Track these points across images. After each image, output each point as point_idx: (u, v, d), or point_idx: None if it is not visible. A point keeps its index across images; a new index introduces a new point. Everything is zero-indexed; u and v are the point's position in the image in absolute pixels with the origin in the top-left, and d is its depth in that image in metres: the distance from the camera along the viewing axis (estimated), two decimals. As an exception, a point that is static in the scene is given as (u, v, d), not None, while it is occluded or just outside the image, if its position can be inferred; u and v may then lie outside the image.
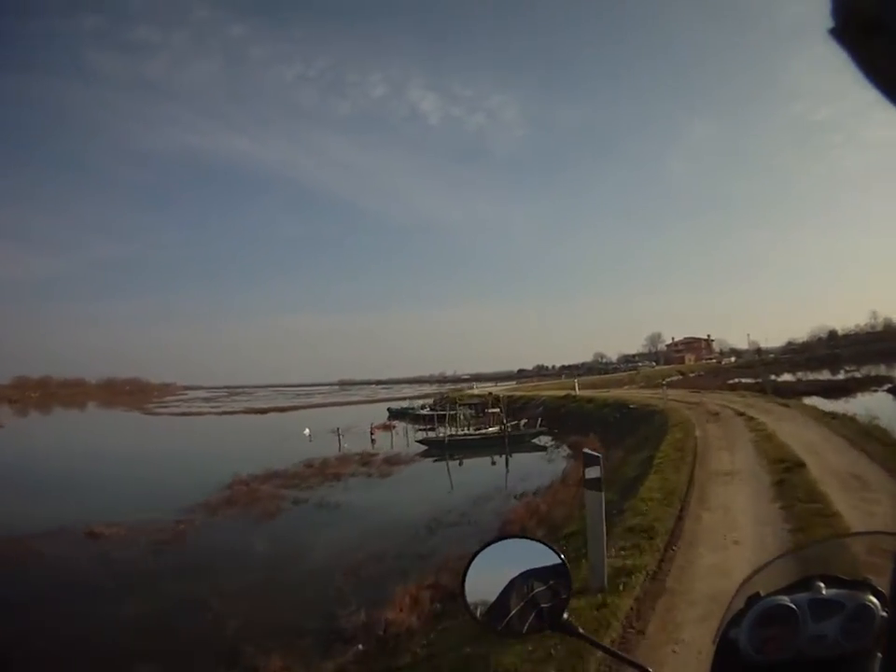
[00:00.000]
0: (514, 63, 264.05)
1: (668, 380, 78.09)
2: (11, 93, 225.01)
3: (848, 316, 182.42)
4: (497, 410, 42.04)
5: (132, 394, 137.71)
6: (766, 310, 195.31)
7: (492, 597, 1.32)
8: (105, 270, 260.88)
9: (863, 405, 27.43)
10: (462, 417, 44.20)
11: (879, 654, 1.07)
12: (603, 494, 6.57)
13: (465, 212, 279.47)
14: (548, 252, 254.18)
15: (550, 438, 34.30)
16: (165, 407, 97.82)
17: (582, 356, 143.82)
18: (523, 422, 37.57)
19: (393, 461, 29.20)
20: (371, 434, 39.63)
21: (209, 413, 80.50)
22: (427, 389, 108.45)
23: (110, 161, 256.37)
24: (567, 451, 27.61)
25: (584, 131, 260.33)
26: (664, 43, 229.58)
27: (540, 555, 1.38)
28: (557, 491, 16.58)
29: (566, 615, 1.32)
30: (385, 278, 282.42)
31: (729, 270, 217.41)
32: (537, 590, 1.32)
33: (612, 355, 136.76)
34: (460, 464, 28.78)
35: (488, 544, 1.44)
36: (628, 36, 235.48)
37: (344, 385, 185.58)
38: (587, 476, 6.49)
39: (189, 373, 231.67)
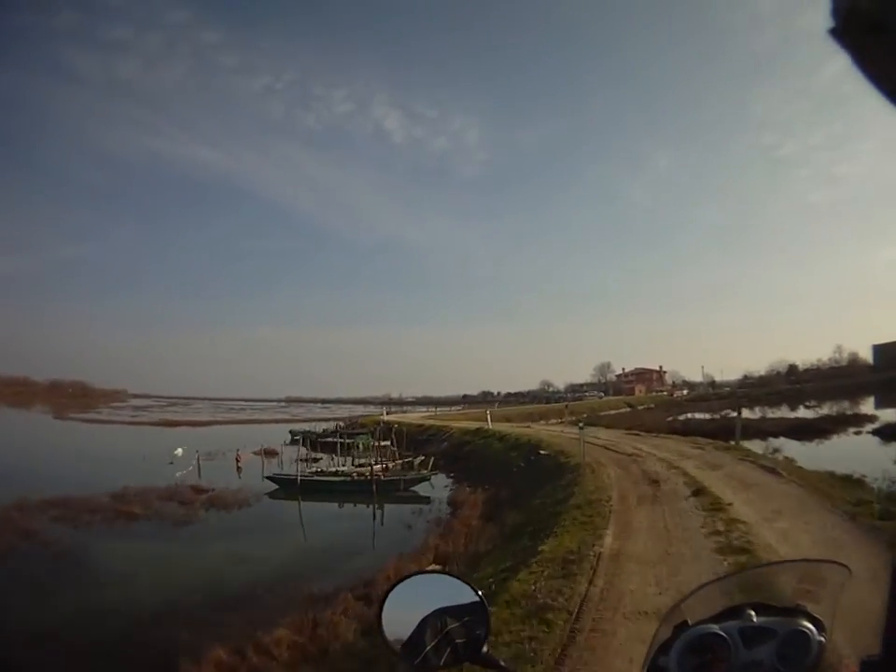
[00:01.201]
0: (477, 85, 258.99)
1: (614, 412, 70.98)
2: None
3: (810, 351, 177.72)
4: (388, 443, 34.44)
5: (74, 397, 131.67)
6: (723, 342, 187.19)
7: (408, 631, 1.29)
8: (60, 271, 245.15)
9: (844, 449, 24.66)
10: (361, 447, 37.26)
11: None
12: None
13: (425, 232, 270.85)
14: (503, 276, 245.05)
15: (449, 481, 27.43)
16: (87, 413, 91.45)
17: (531, 383, 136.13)
18: (419, 459, 30.51)
19: (221, 502, 23.27)
20: (238, 461, 34.12)
21: (121, 422, 74.31)
22: (363, 411, 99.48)
23: (69, 160, 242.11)
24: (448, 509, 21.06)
25: (545, 156, 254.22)
26: (629, 70, 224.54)
27: (458, 592, 1.36)
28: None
29: (486, 648, 1.30)
30: (342, 296, 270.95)
31: (685, 300, 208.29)
32: (452, 625, 1.30)
33: (560, 383, 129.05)
34: (301, 511, 22.55)
35: (406, 577, 1.42)
36: (593, 62, 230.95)
37: (291, 401, 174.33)
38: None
39: (143, 381, 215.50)
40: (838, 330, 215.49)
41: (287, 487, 26.10)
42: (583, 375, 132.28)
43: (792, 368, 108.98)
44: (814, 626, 1.12)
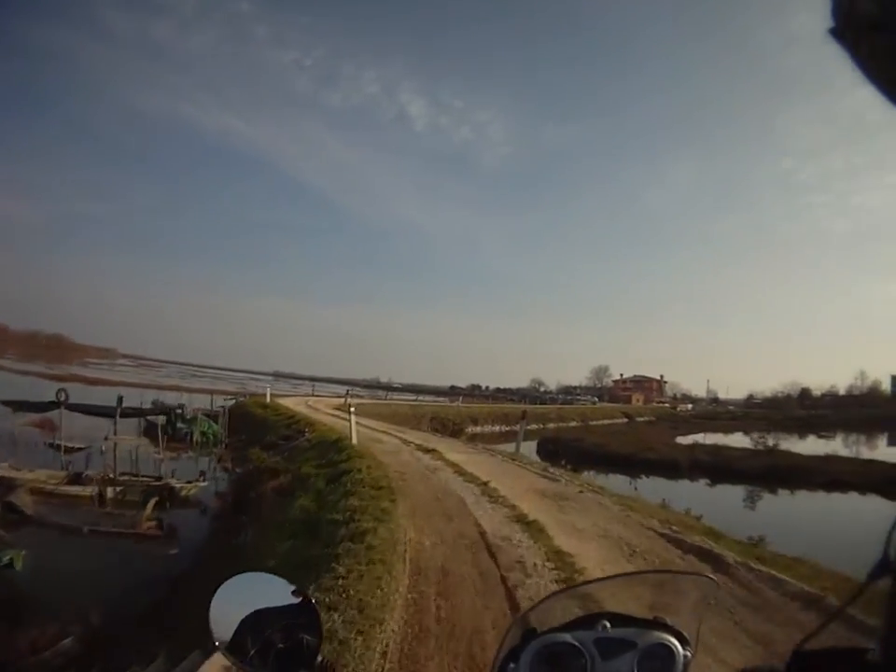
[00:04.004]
0: (506, 79, 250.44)
1: (608, 422, 59.42)
2: (12, 44, 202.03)
3: (823, 376, 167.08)
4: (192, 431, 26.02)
5: (48, 349, 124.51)
6: (726, 359, 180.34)
7: (235, 632, 1.20)
8: (74, 223, 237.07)
9: None
10: (197, 435, 26.12)
11: None
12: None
13: (439, 221, 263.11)
14: (509, 270, 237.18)
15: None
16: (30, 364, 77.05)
17: (522, 380, 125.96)
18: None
19: None
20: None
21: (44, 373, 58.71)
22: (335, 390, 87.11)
23: (95, 116, 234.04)
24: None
25: (566, 155, 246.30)
26: (660, 83, 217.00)
27: (284, 593, 1.26)
28: None
29: (321, 657, 1.21)
30: (343, 274, 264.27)
31: (693, 313, 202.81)
32: (275, 628, 1.21)
33: (553, 383, 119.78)
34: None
35: (232, 577, 1.29)
36: (621, 68, 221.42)
37: (279, 376, 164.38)
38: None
39: (140, 343, 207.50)
40: (858, 357, 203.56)
41: None
42: (578, 377, 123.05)
43: (805, 392, 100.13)
44: (676, 640, 1.05)
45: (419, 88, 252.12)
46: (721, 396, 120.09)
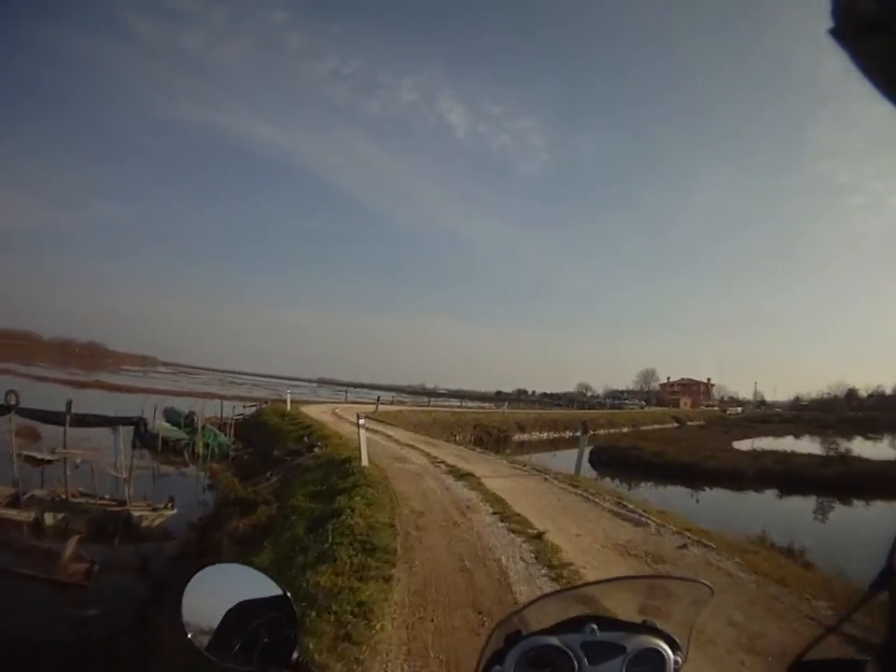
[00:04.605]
0: (544, 86, 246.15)
1: (658, 426, 56.34)
2: (41, 45, 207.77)
3: (868, 376, 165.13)
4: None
5: (81, 357, 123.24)
6: (770, 360, 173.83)
7: (212, 625, 1.13)
8: (107, 231, 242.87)
9: None
10: (198, 449, 23.05)
11: None
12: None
13: (478, 227, 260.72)
14: (549, 277, 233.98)
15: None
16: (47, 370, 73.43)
17: (568, 385, 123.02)
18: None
19: None
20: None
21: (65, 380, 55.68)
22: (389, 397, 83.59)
23: (129, 125, 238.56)
24: None
25: (603, 163, 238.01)
26: (696, 94, 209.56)
27: (260, 585, 1.19)
28: None
29: (297, 654, 1.13)
30: (388, 282, 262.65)
31: (735, 313, 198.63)
32: (258, 622, 1.14)
33: (599, 388, 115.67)
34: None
35: (205, 567, 1.23)
36: (658, 78, 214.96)
37: (323, 382, 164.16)
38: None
39: (182, 350, 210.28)
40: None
41: None
42: (625, 382, 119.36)
43: (852, 392, 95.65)
44: (667, 645, 1.03)
45: (457, 95, 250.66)
46: (768, 398, 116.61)
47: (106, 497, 14.08)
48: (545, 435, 42.02)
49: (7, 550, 10.86)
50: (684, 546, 7.20)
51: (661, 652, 1.01)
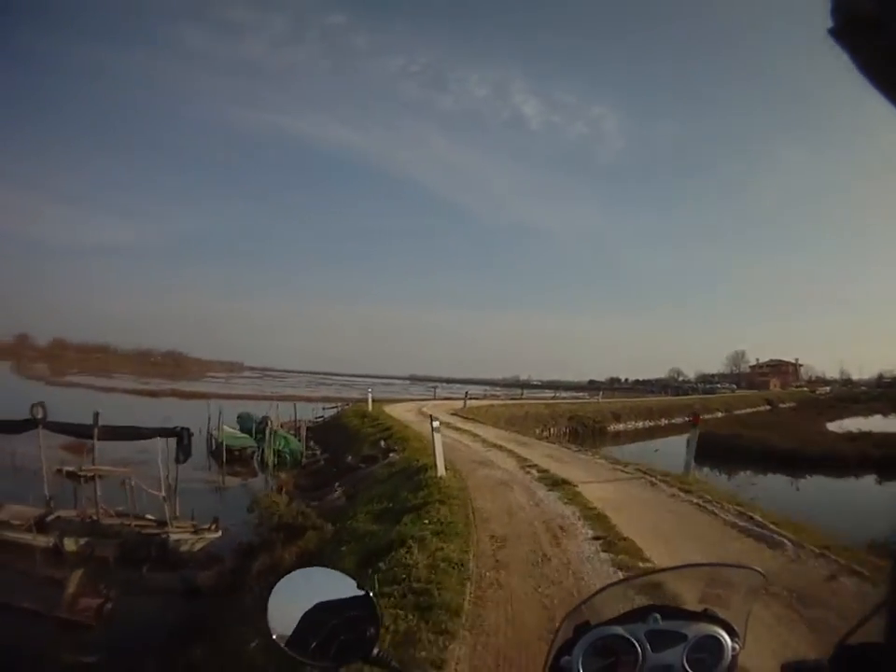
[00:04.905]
0: (616, 73, 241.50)
1: (751, 410, 54.79)
2: (102, 64, 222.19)
3: None
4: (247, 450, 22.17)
5: (161, 366, 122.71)
6: (855, 337, 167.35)
7: (294, 626, 1.20)
8: (182, 242, 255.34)
9: None
10: (269, 459, 21.56)
11: None
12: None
13: (557, 219, 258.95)
14: (634, 263, 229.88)
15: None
16: (111, 379, 72.80)
17: (660, 371, 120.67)
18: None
19: None
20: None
21: (133, 391, 55.17)
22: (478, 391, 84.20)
23: (196, 138, 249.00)
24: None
25: (679, 146, 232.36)
26: (766, 62, 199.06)
27: (343, 587, 1.26)
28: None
29: (377, 649, 1.19)
30: (469, 277, 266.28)
31: (820, 292, 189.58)
32: (336, 620, 1.20)
33: (690, 372, 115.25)
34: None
35: (290, 572, 1.32)
36: (727, 57, 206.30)
37: (415, 379, 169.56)
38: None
39: (271, 354, 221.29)
40: None
41: None
42: (715, 365, 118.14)
43: None
44: (725, 632, 1.08)
45: (529, 87, 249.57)
46: (855, 377, 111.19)
47: (147, 516, 13.02)
48: (641, 424, 41.06)
49: (15, 580, 9.84)
50: (833, 577, 5.97)
51: (720, 640, 1.06)
